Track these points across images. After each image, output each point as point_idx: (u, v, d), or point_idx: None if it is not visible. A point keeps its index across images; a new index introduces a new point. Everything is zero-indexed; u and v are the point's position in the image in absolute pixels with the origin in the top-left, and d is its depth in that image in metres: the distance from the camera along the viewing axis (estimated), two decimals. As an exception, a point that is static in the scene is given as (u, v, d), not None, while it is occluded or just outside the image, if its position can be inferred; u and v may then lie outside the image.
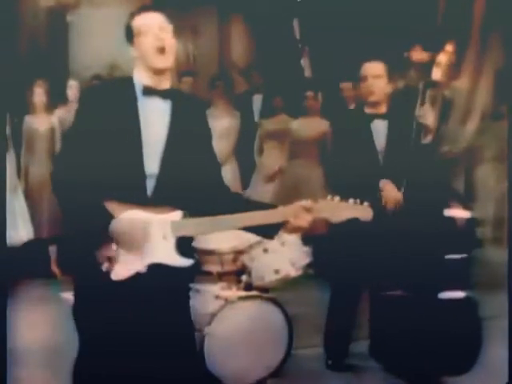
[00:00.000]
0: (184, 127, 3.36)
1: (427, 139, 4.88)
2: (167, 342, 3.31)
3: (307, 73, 9.01)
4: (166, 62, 3.31)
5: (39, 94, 7.33)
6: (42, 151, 7.16)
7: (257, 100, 8.24)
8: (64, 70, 7.86)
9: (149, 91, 3.34)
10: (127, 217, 3.22)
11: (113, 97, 3.32)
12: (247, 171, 7.88)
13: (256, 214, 3.31)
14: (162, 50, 3.28)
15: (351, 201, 3.32)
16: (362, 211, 3.36)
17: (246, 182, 7.76)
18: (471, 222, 4.81)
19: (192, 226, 3.31)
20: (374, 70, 4.87)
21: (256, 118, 8.11)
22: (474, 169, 7.57)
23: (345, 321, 5.03)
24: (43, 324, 5.78)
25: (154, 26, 3.29)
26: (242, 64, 9.19)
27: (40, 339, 5.52)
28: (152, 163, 3.31)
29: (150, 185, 3.30)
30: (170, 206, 3.27)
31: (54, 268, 7.28)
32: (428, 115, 4.86)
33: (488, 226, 7.22)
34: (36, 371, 4.96)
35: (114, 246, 3.19)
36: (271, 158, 7.74)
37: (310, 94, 7.49)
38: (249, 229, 3.42)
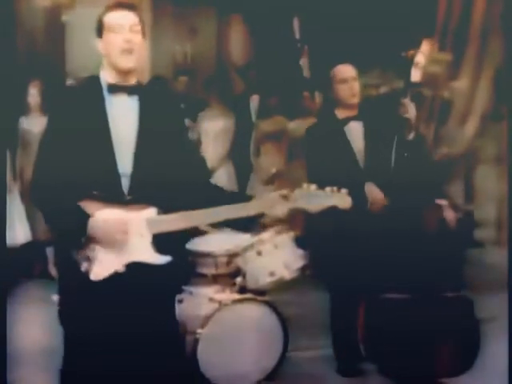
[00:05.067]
0: (154, 123, 3.35)
1: (410, 136, 4.84)
2: (154, 342, 3.32)
3: (306, 73, 8.97)
4: (131, 62, 3.31)
5: (34, 95, 7.30)
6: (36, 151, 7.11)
7: (254, 100, 8.20)
8: (61, 71, 7.85)
9: (114, 89, 3.34)
10: (103, 216, 3.21)
11: (82, 97, 3.34)
12: (244, 173, 7.83)
13: (233, 207, 3.30)
14: (127, 52, 3.28)
15: (328, 189, 3.28)
16: (340, 199, 3.32)
17: (242, 184, 7.72)
18: (466, 223, 4.79)
19: (168, 222, 3.29)
20: (352, 73, 4.92)
21: (253, 119, 8.07)
22: (474, 170, 7.54)
23: (350, 323, 4.99)
24: (41, 325, 5.75)
25: (125, 26, 3.30)
26: (241, 64, 9.16)
27: (39, 340, 5.51)
28: (125, 162, 3.31)
29: (125, 183, 3.29)
30: (145, 204, 3.25)
31: (52, 269, 7.25)
32: (410, 110, 4.82)
33: (489, 227, 7.20)
34: (35, 372, 4.97)
35: (92, 247, 3.18)
36: (269, 160, 7.68)
37: (306, 94, 7.48)
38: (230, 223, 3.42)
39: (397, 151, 4.71)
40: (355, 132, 4.89)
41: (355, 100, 4.90)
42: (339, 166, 4.67)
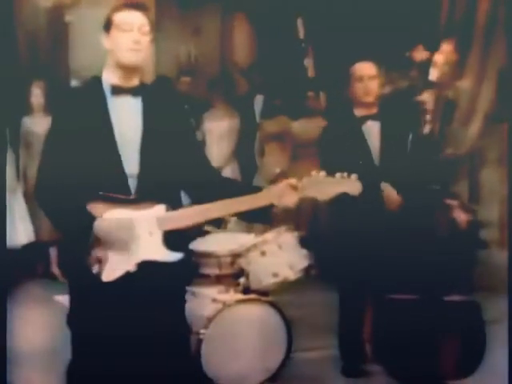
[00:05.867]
0: (158, 123, 3.33)
1: (426, 129, 4.82)
2: (160, 343, 3.30)
3: (311, 73, 8.96)
4: (136, 58, 3.28)
5: (37, 95, 7.29)
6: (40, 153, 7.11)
7: (259, 101, 8.18)
8: (64, 71, 7.84)
9: (117, 90, 3.32)
10: (111, 216, 3.19)
11: (86, 98, 3.33)
12: (249, 173, 7.82)
13: (241, 200, 3.26)
14: (136, 51, 3.27)
15: (338, 174, 3.24)
16: (350, 185, 3.26)
17: (247, 184, 7.69)
18: (474, 224, 4.77)
19: (177, 219, 3.27)
20: (370, 71, 4.86)
21: (258, 119, 8.06)
22: (479, 171, 7.52)
23: (356, 323, 4.98)
24: (43, 325, 5.76)
25: (135, 26, 3.27)
26: (244, 64, 9.14)
27: (40, 341, 5.50)
28: (131, 162, 3.29)
29: (133, 184, 3.27)
30: (153, 201, 3.23)
31: (55, 269, 7.25)
32: (428, 102, 4.81)
33: (493, 228, 7.17)
34: (36, 373, 4.95)
35: (101, 248, 3.17)
36: (273, 160, 7.67)
37: (310, 94, 7.46)
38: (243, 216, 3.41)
39: (411, 149, 4.71)
40: (372, 131, 4.85)
41: (369, 99, 4.85)
42: (354, 165, 4.62)
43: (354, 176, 3.26)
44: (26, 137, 7.27)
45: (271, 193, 3.28)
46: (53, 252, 7.30)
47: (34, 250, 7.26)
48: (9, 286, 4.77)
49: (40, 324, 5.86)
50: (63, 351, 3.50)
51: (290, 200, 3.26)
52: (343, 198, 3.30)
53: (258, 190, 3.37)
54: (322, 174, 3.25)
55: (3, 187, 4.90)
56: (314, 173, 3.26)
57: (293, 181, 3.27)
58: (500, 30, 6.97)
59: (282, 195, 3.26)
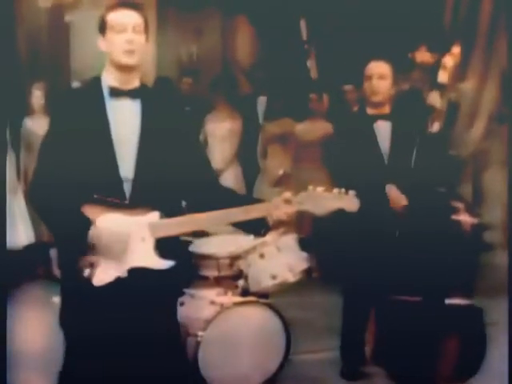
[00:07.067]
0: (157, 126, 3.30)
1: (435, 127, 4.80)
2: (154, 345, 3.29)
3: (313, 74, 8.94)
4: (133, 59, 3.26)
5: (37, 96, 7.28)
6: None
7: (261, 102, 8.17)
8: (65, 72, 7.85)
9: (115, 92, 3.30)
10: (105, 221, 3.17)
11: (84, 100, 3.30)
12: (251, 175, 7.80)
13: (237, 210, 3.24)
14: (130, 52, 3.24)
15: (335, 190, 3.22)
16: (347, 202, 3.24)
17: (249, 185, 7.69)
18: (478, 227, 4.75)
19: (171, 227, 3.24)
20: (380, 70, 4.81)
21: (261, 121, 8.04)
22: (482, 173, 7.50)
23: (360, 326, 4.95)
24: (44, 327, 5.73)
25: (128, 26, 3.25)
26: (247, 65, 9.14)
27: (41, 342, 5.48)
28: (127, 166, 3.26)
29: (127, 188, 3.25)
30: (148, 207, 3.21)
31: (56, 271, 7.22)
32: (436, 100, 4.79)
33: (496, 230, 7.15)
34: (36, 374, 4.93)
35: (94, 252, 3.14)
36: (276, 162, 7.65)
37: (313, 96, 7.44)
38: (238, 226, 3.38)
39: (418, 150, 4.69)
40: (382, 131, 4.82)
41: (377, 98, 4.81)
42: (363, 164, 4.63)
43: (351, 192, 3.24)
44: (26, 138, 7.26)
45: (265, 206, 3.27)
46: (53, 253, 7.27)
47: (35, 251, 7.24)
48: (9, 288, 4.76)
49: (40, 325, 5.83)
50: (61, 353, 3.49)
51: (283, 214, 3.25)
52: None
53: (255, 201, 3.36)
54: (320, 189, 3.23)
55: (4, 188, 4.88)
56: (311, 187, 3.24)
57: (288, 195, 3.25)
58: (503, 32, 6.96)
59: (277, 209, 3.24)
